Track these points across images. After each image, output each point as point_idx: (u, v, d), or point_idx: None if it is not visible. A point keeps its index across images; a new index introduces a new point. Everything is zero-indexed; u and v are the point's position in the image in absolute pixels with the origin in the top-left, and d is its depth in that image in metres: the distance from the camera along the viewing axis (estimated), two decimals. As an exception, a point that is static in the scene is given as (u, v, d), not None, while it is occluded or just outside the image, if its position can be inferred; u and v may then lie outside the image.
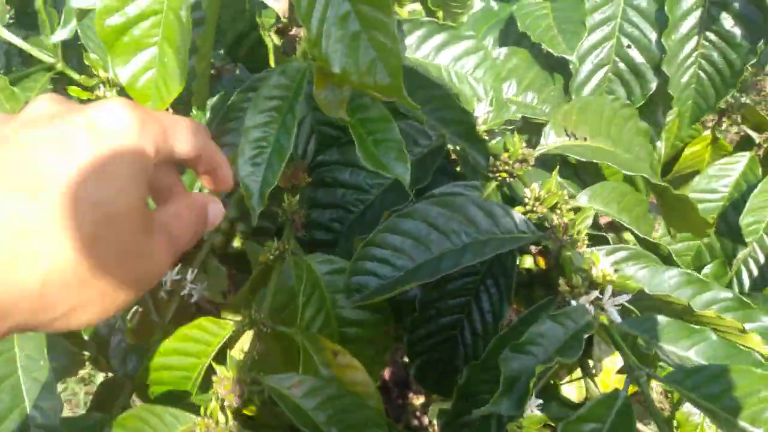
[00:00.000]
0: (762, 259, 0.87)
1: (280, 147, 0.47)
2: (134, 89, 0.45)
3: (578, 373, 0.55)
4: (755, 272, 0.88)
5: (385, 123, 0.51)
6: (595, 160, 0.56)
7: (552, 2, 0.77)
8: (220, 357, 0.51)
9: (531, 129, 0.69)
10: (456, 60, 0.65)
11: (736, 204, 0.88)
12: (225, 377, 0.47)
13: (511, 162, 0.55)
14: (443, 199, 0.49)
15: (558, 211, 0.50)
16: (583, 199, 0.55)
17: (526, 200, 0.51)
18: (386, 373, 0.97)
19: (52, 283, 0.26)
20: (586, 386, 0.53)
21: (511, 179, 0.56)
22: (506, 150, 0.55)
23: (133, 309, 0.62)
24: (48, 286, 0.26)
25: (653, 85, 0.78)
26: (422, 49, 0.65)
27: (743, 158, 0.89)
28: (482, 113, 0.60)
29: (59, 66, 0.69)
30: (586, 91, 0.79)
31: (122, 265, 0.29)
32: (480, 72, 0.65)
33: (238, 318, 0.53)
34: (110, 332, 0.71)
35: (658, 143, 0.91)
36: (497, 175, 0.56)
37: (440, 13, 0.73)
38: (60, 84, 0.71)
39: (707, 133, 0.95)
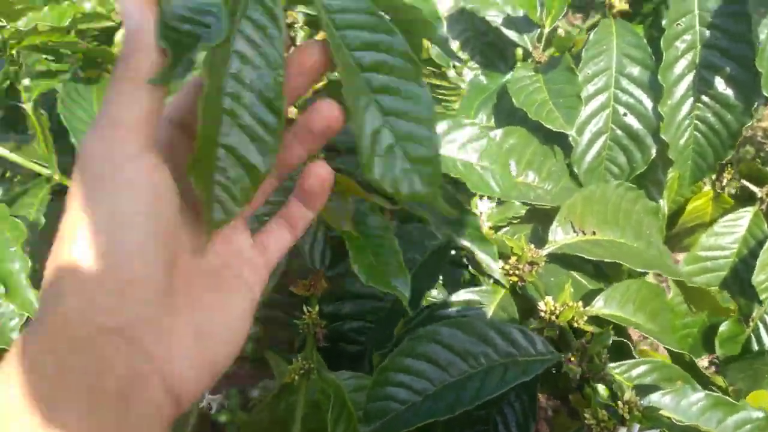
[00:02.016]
0: (778, 316, 0.85)
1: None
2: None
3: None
4: (773, 329, 0.85)
5: (384, 233, 0.49)
6: (605, 260, 0.54)
7: (544, 74, 0.76)
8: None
9: (538, 215, 0.67)
10: (461, 149, 0.63)
11: (746, 260, 0.86)
12: None
13: (521, 267, 0.53)
14: (457, 321, 0.47)
15: (575, 324, 0.48)
16: (599, 303, 0.52)
17: (542, 314, 0.49)
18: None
19: None
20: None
21: (523, 283, 0.54)
22: (513, 253, 0.53)
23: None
24: None
25: (653, 151, 0.77)
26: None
27: (747, 213, 0.87)
28: (486, 209, 0.58)
29: (57, 177, 0.67)
30: (587, 160, 0.77)
31: None
32: (485, 161, 0.63)
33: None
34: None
35: (661, 201, 0.90)
36: (509, 278, 0.54)
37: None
38: (60, 196, 0.69)
39: (708, 188, 0.93)
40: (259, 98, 0.31)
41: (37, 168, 0.66)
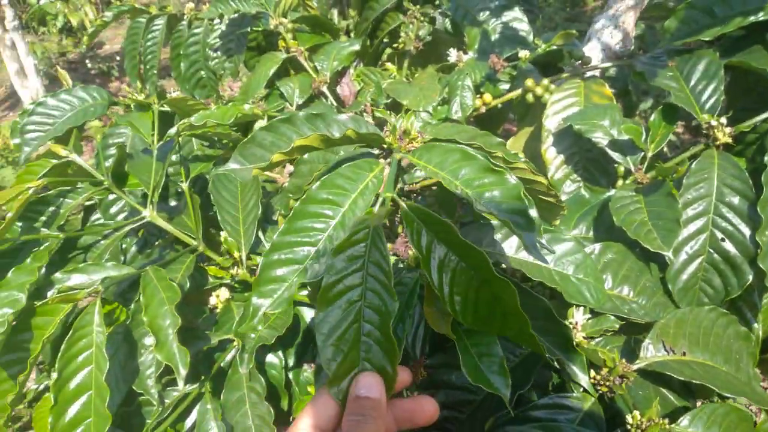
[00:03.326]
0: None
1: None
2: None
3: None
4: None
5: (488, 338, 0.55)
6: (693, 380, 0.57)
7: (645, 196, 0.81)
8: None
9: (631, 328, 0.71)
10: (557, 261, 0.69)
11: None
12: None
13: (611, 378, 0.57)
14: (546, 425, 0.51)
15: (662, 440, 0.51)
16: (684, 422, 0.55)
17: (628, 426, 0.53)
18: None
19: None
20: None
21: (612, 394, 0.57)
22: (606, 365, 0.57)
23: None
24: None
25: (750, 277, 0.78)
26: (524, 251, 0.69)
27: None
28: (581, 320, 0.63)
29: (201, 248, 0.77)
30: (683, 279, 0.80)
31: None
32: (581, 273, 0.68)
33: None
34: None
35: (755, 324, 0.90)
36: (600, 388, 0.58)
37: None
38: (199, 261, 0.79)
39: (807, 316, 0.93)
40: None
41: (187, 239, 0.76)
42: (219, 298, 0.74)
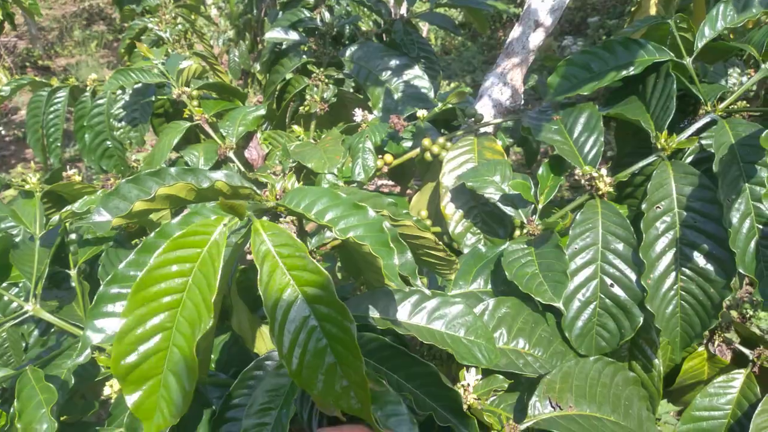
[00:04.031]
0: (777, 480, 0.86)
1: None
2: (139, 411, 0.50)
3: None
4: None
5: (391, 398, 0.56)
6: (580, 437, 0.58)
7: (536, 249, 0.84)
8: None
9: (526, 383, 0.73)
10: (448, 324, 0.70)
11: (741, 422, 0.89)
12: None
13: (501, 442, 0.58)
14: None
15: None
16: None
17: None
18: None
19: None
20: None
21: (504, 457, 0.58)
22: (493, 428, 0.58)
23: None
24: None
25: (640, 319, 0.82)
26: (417, 316, 0.70)
27: (740, 375, 0.91)
28: (472, 381, 0.64)
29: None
30: (578, 326, 0.83)
31: None
32: (471, 335, 0.70)
33: None
34: None
35: (656, 360, 0.94)
36: (491, 452, 0.59)
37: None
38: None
39: (702, 348, 0.97)
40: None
41: (74, 330, 0.74)
42: (113, 388, 0.72)
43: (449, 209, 0.98)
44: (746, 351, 0.94)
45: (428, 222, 1.05)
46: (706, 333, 1.00)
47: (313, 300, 0.47)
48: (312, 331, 0.47)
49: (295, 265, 0.48)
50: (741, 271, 0.77)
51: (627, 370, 0.72)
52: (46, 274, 0.71)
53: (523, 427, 0.60)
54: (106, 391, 0.73)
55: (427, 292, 0.68)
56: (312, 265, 0.47)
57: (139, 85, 1.29)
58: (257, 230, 0.51)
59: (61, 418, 0.78)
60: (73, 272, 0.75)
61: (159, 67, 1.21)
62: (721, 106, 0.87)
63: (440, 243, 0.75)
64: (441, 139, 1.01)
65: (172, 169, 0.58)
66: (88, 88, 1.37)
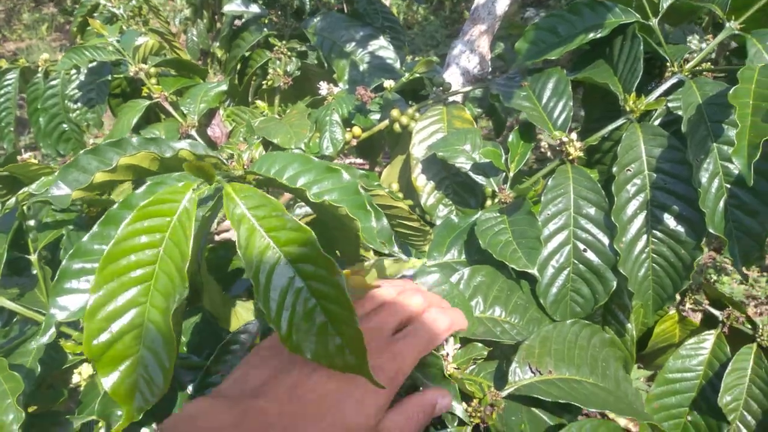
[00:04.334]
0: (748, 436, 0.88)
1: None
2: (118, 395, 0.48)
3: None
4: (745, 450, 0.88)
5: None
6: (560, 400, 0.58)
7: (509, 216, 0.83)
8: None
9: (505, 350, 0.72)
10: (425, 293, 0.69)
11: (712, 382, 0.91)
12: None
13: (482, 409, 0.57)
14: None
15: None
16: (554, 444, 0.57)
17: (498, 459, 0.53)
18: None
19: None
20: None
21: (486, 424, 0.58)
22: (475, 396, 0.58)
23: None
24: None
25: (614, 283, 0.82)
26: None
27: (710, 336, 0.92)
28: (451, 351, 0.64)
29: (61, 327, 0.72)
30: (553, 292, 0.83)
31: None
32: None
33: None
34: None
35: (628, 324, 0.95)
36: (472, 420, 0.58)
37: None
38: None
39: (673, 311, 0.98)
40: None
41: (38, 317, 0.72)
42: (82, 375, 0.70)
43: (420, 181, 0.96)
44: (716, 312, 0.95)
45: (400, 195, 1.04)
46: (678, 296, 1.02)
47: (297, 259, 0.45)
48: (299, 293, 0.45)
49: (273, 226, 0.46)
50: (711, 230, 0.78)
51: (603, 332, 0.72)
52: (5, 260, 0.68)
53: (504, 393, 0.59)
54: (75, 379, 0.71)
55: (405, 258, 0.67)
56: (292, 223, 0.46)
57: (94, 63, 1.24)
58: (229, 194, 0.49)
59: (29, 409, 0.75)
60: (33, 257, 0.72)
61: (114, 44, 1.16)
62: (688, 66, 0.87)
63: (414, 213, 0.74)
64: (410, 110, 0.99)
65: (134, 139, 0.55)
66: (40, 69, 1.31)
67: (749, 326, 0.91)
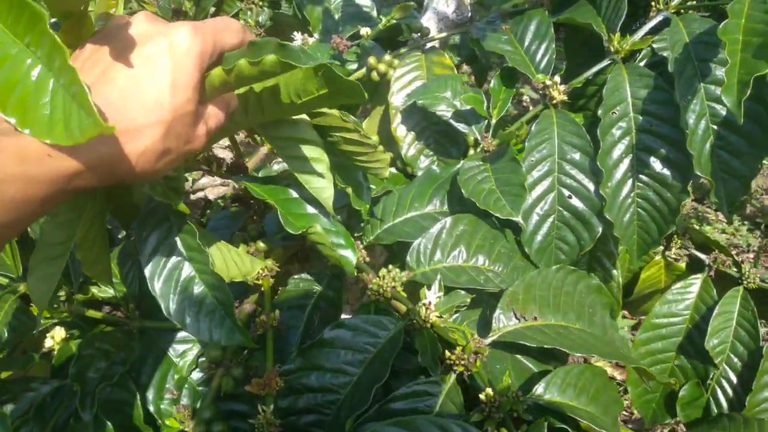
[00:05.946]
0: (734, 379, 0.88)
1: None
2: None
3: None
4: (730, 392, 0.88)
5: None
6: (545, 345, 0.57)
7: (492, 164, 0.81)
8: None
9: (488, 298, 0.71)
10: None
11: (699, 326, 0.90)
12: None
13: (465, 357, 0.56)
14: (400, 420, 0.49)
15: (515, 413, 0.51)
16: (539, 390, 0.55)
17: (482, 406, 0.52)
18: None
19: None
20: None
21: (470, 372, 0.57)
22: (458, 343, 0.56)
23: None
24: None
25: (599, 229, 0.81)
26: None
27: (697, 281, 0.91)
28: (433, 299, 0.62)
29: (23, 288, 0.69)
30: (538, 240, 0.81)
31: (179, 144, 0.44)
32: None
33: None
34: None
35: (614, 271, 0.94)
36: (455, 368, 0.57)
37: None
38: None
39: (659, 257, 0.97)
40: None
41: (3, 280, 0.69)
42: (54, 339, 0.67)
43: (400, 131, 0.93)
44: (702, 256, 0.94)
45: (380, 147, 1.00)
46: (663, 241, 1.00)
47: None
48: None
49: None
50: (698, 173, 0.76)
51: (589, 278, 0.71)
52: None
53: (488, 341, 0.58)
54: (48, 343, 0.69)
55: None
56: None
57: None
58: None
59: (1, 375, 0.73)
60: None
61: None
62: (674, 3, 0.84)
63: (349, 120, 0.63)
64: (387, 57, 0.95)
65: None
66: None
67: (735, 269, 0.90)
